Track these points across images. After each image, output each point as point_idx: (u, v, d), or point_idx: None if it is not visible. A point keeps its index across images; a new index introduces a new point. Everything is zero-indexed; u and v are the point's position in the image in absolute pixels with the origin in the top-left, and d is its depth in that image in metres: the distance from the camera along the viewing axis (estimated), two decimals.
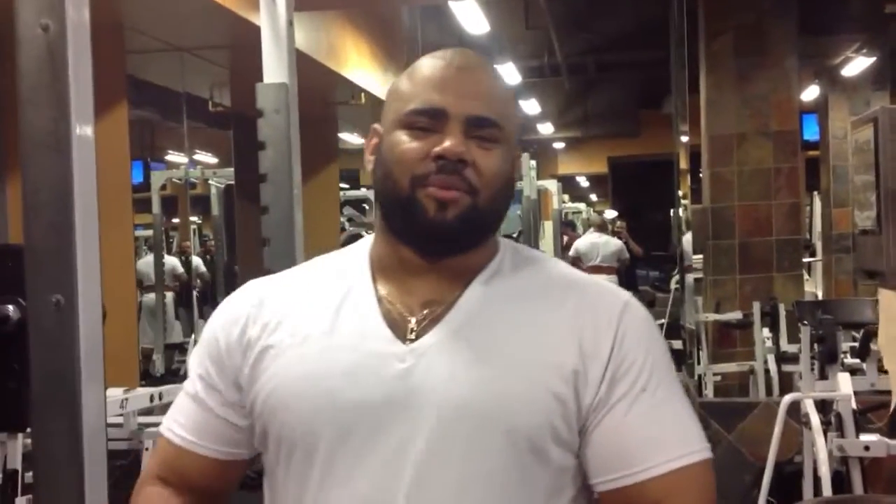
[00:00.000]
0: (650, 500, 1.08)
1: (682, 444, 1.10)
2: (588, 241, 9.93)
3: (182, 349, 7.90)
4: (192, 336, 7.95)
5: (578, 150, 16.20)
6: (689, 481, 1.09)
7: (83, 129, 1.14)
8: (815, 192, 8.89)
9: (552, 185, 10.77)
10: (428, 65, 1.16)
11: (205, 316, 9.24)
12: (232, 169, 7.71)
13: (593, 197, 20.10)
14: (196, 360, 1.22)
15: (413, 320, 1.12)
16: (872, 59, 7.67)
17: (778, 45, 5.97)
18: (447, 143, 1.09)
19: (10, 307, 1.37)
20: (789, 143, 6.03)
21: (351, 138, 11.29)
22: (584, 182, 19.33)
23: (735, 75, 5.96)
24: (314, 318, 1.14)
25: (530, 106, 11.75)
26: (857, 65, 7.88)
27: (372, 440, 1.06)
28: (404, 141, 1.12)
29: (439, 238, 1.12)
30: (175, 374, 7.29)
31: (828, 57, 8.01)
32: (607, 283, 1.24)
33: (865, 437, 2.80)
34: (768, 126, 5.96)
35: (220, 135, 9.21)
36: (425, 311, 1.13)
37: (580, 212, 15.01)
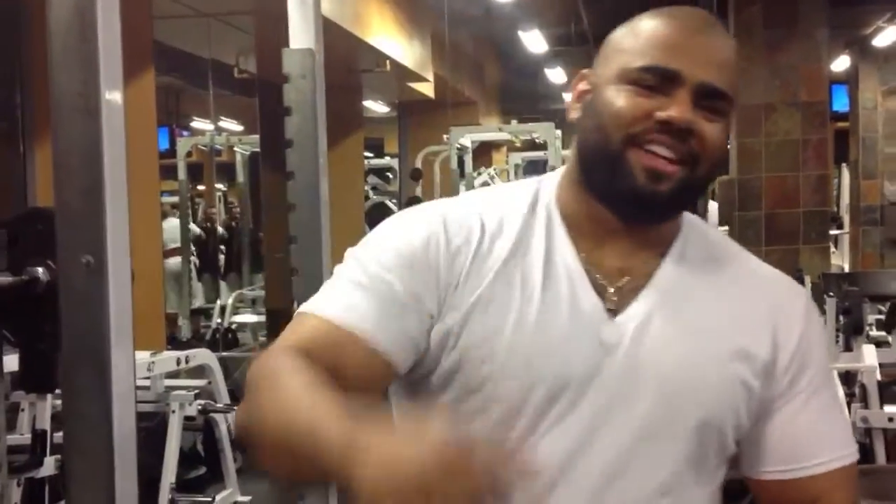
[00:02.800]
0: (811, 494, 1.11)
1: (845, 444, 1.13)
2: None
3: (208, 314, 7.97)
4: (217, 302, 8.02)
5: None
6: (846, 480, 1.12)
7: (112, 93, 1.14)
8: (844, 164, 8.81)
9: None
10: (661, 23, 1.07)
11: (228, 281, 9.31)
12: (257, 136, 7.73)
13: None
14: (373, 257, 1.08)
15: (611, 289, 1.08)
16: None
17: (808, 15, 5.90)
18: (676, 110, 1.02)
19: (40, 269, 1.38)
20: (818, 113, 5.98)
21: (375, 106, 11.26)
22: None
23: (764, 45, 5.90)
24: (526, 273, 1.07)
25: (556, 75, 11.67)
26: (888, 35, 7.75)
27: (575, 408, 1.04)
28: (626, 96, 1.04)
29: (645, 207, 1.06)
30: (201, 339, 7.36)
31: (858, 27, 7.89)
32: (786, 275, 1.19)
33: (890, 409, 2.79)
34: (797, 97, 5.90)
35: (245, 102, 9.22)
36: (624, 280, 1.08)
37: None
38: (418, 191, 8.42)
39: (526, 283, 1.06)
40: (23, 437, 3.33)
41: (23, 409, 3.41)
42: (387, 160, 11.02)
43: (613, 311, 1.06)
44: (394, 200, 9.51)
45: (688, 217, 1.15)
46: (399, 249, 1.07)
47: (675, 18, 1.08)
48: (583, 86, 1.11)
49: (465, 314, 1.05)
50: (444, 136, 7.95)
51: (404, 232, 1.09)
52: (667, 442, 1.05)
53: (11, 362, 1.46)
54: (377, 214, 7.68)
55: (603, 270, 1.08)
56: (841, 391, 2.91)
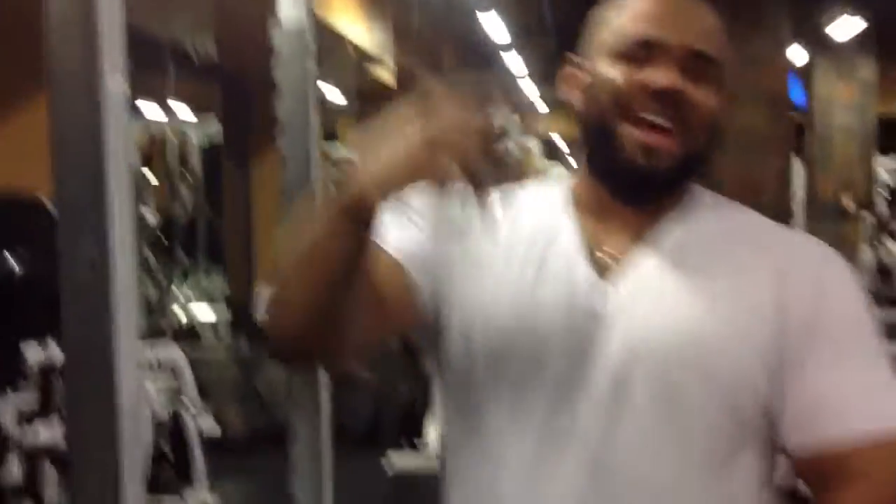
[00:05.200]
0: (847, 467, 1.03)
1: (885, 412, 1.04)
2: None
3: (161, 307, 7.83)
4: (174, 294, 7.88)
5: (559, 111, 16.13)
6: (889, 453, 1.03)
7: (114, 79, 1.08)
8: (798, 157, 8.91)
9: (533, 144, 10.72)
10: None
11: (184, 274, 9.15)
12: (215, 122, 7.59)
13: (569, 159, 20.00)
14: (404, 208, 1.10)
15: (612, 264, 1.10)
16: (859, 24, 7.65)
17: (769, 7, 5.94)
18: (664, 76, 1.05)
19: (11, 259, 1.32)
20: (778, 105, 6.02)
21: (332, 97, 11.14)
22: (562, 144, 19.25)
23: (727, 36, 5.92)
24: (527, 246, 1.11)
25: (516, 64, 11.64)
26: (845, 29, 7.85)
27: (565, 376, 1.05)
28: (614, 71, 1.07)
29: (644, 184, 1.09)
30: (160, 333, 7.23)
31: (816, 21, 7.98)
32: (807, 234, 1.19)
33: None
34: (758, 88, 5.94)
35: (200, 86, 9.05)
36: (623, 252, 1.10)
37: (555, 172, 14.92)
38: None
39: (524, 258, 1.10)
40: None
41: None
42: (344, 151, 10.92)
43: (613, 283, 1.08)
44: None
45: (694, 189, 1.15)
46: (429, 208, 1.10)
47: None
48: (575, 70, 1.14)
49: (460, 268, 1.11)
50: None
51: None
52: (664, 405, 1.04)
53: None
54: None
55: (607, 244, 1.11)
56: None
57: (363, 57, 7.98)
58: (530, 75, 12.51)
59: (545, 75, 12.94)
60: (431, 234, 1.13)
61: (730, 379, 1.04)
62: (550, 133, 17.30)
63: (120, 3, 1.11)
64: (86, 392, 1.05)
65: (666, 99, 1.05)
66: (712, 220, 1.13)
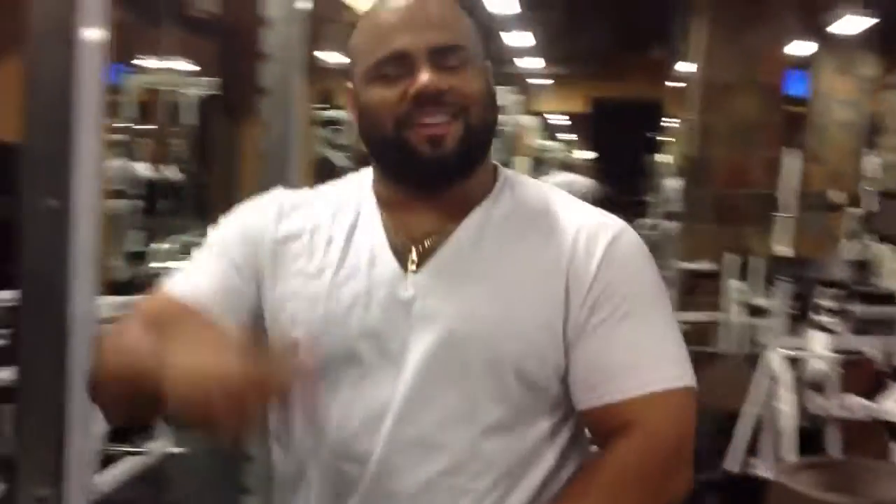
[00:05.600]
0: (624, 420, 1.13)
1: (660, 370, 1.14)
2: (555, 182, 9.85)
3: (143, 257, 7.83)
4: (157, 245, 7.86)
5: (559, 89, 16.09)
6: (664, 406, 1.13)
7: (90, 29, 1.07)
8: (792, 148, 8.92)
9: (530, 121, 10.69)
10: (375, 13, 1.18)
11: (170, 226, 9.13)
12: (208, 78, 7.55)
13: (565, 136, 19.97)
14: (218, 238, 1.24)
15: (415, 250, 1.17)
16: (864, 19, 7.63)
17: (769, 1, 5.92)
18: (419, 80, 1.12)
19: None
20: (772, 97, 6.01)
21: (327, 56, 11.06)
22: (560, 122, 19.21)
23: (728, 26, 5.90)
24: (330, 243, 1.19)
25: (517, 38, 11.57)
26: (848, 24, 7.83)
27: (375, 364, 1.14)
28: (378, 91, 1.14)
29: (438, 173, 1.15)
30: (139, 284, 7.22)
31: (819, 14, 7.95)
32: (604, 213, 1.23)
33: (846, 398, 2.80)
34: (756, 78, 5.93)
35: (199, 41, 8.98)
36: (427, 242, 1.17)
37: (549, 151, 14.88)
38: None
39: (327, 255, 1.18)
40: None
41: None
42: (336, 112, 10.86)
43: (414, 272, 1.15)
44: (347, 155, 9.40)
45: (507, 174, 1.23)
46: (235, 234, 1.22)
47: (385, 1, 1.18)
48: (351, 94, 1.21)
49: (273, 276, 1.19)
50: None
51: (238, 218, 1.24)
52: (457, 380, 1.12)
53: None
54: (325, 169, 7.58)
55: (409, 236, 1.17)
56: (788, 375, 2.95)
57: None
58: (534, 49, 12.43)
59: (549, 50, 12.86)
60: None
61: (516, 354, 1.12)
62: (550, 110, 17.26)
63: None
64: (39, 339, 1.05)
65: (429, 99, 1.12)
66: (510, 202, 1.20)
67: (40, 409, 1.03)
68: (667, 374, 1.14)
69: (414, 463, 1.13)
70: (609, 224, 1.19)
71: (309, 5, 1.65)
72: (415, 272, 1.15)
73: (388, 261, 1.16)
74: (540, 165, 12.42)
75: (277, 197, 1.25)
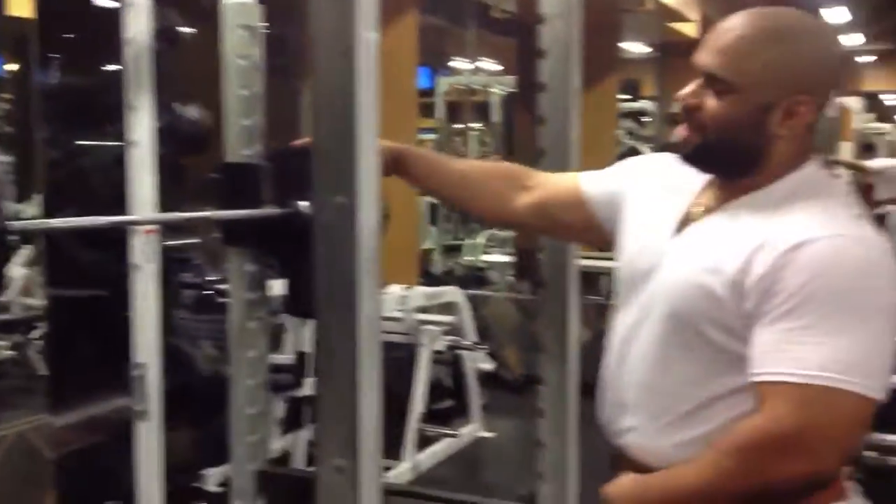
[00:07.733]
0: (758, 400, 1.27)
1: (794, 366, 1.24)
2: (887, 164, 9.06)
3: (457, 251, 8.17)
4: (465, 238, 8.20)
5: (889, 65, 14.86)
6: (783, 396, 1.24)
7: (367, 34, 1.15)
8: None
9: (854, 103, 9.95)
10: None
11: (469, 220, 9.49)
12: (514, 77, 7.75)
13: None
14: (625, 167, 1.62)
15: (692, 221, 1.42)
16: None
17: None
18: (682, 92, 1.38)
19: (302, 203, 1.45)
20: None
21: (631, 46, 10.99)
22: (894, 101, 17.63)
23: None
24: (662, 203, 1.48)
25: (837, 14, 10.83)
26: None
27: (635, 296, 1.44)
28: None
29: (690, 165, 1.41)
30: (452, 276, 7.57)
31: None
32: (820, 221, 1.29)
33: None
34: None
35: (504, 41, 9.25)
36: (701, 216, 1.41)
37: (884, 133, 13.69)
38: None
39: (655, 211, 1.47)
40: (287, 357, 3.58)
41: (286, 331, 3.65)
42: (642, 103, 10.72)
43: (679, 235, 1.42)
44: (650, 145, 9.27)
45: (801, 176, 1.36)
46: (636, 167, 1.63)
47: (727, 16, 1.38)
48: None
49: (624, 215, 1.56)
50: None
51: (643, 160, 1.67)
52: (650, 324, 1.40)
53: (279, 286, 1.55)
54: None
55: (699, 208, 1.42)
56: None
57: (664, 12, 7.79)
58: (850, 25, 11.57)
59: (871, 24, 11.92)
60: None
61: (682, 308, 1.35)
62: (879, 89, 15.97)
63: None
64: (332, 323, 1.14)
65: (685, 110, 1.37)
66: (779, 200, 1.34)
67: (335, 390, 1.13)
68: (798, 370, 1.23)
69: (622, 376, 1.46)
70: (815, 230, 1.27)
71: None
72: (681, 235, 1.42)
73: (671, 226, 1.43)
74: (869, 150, 11.48)
75: (662, 159, 1.52)
